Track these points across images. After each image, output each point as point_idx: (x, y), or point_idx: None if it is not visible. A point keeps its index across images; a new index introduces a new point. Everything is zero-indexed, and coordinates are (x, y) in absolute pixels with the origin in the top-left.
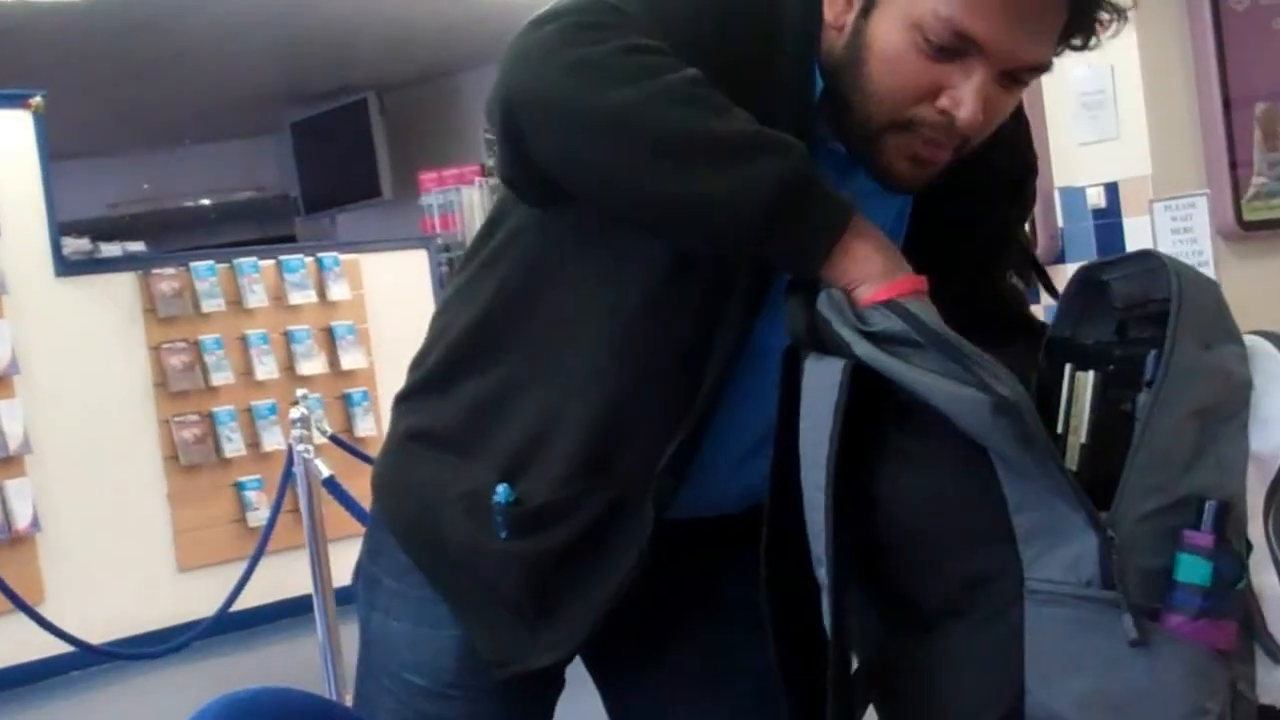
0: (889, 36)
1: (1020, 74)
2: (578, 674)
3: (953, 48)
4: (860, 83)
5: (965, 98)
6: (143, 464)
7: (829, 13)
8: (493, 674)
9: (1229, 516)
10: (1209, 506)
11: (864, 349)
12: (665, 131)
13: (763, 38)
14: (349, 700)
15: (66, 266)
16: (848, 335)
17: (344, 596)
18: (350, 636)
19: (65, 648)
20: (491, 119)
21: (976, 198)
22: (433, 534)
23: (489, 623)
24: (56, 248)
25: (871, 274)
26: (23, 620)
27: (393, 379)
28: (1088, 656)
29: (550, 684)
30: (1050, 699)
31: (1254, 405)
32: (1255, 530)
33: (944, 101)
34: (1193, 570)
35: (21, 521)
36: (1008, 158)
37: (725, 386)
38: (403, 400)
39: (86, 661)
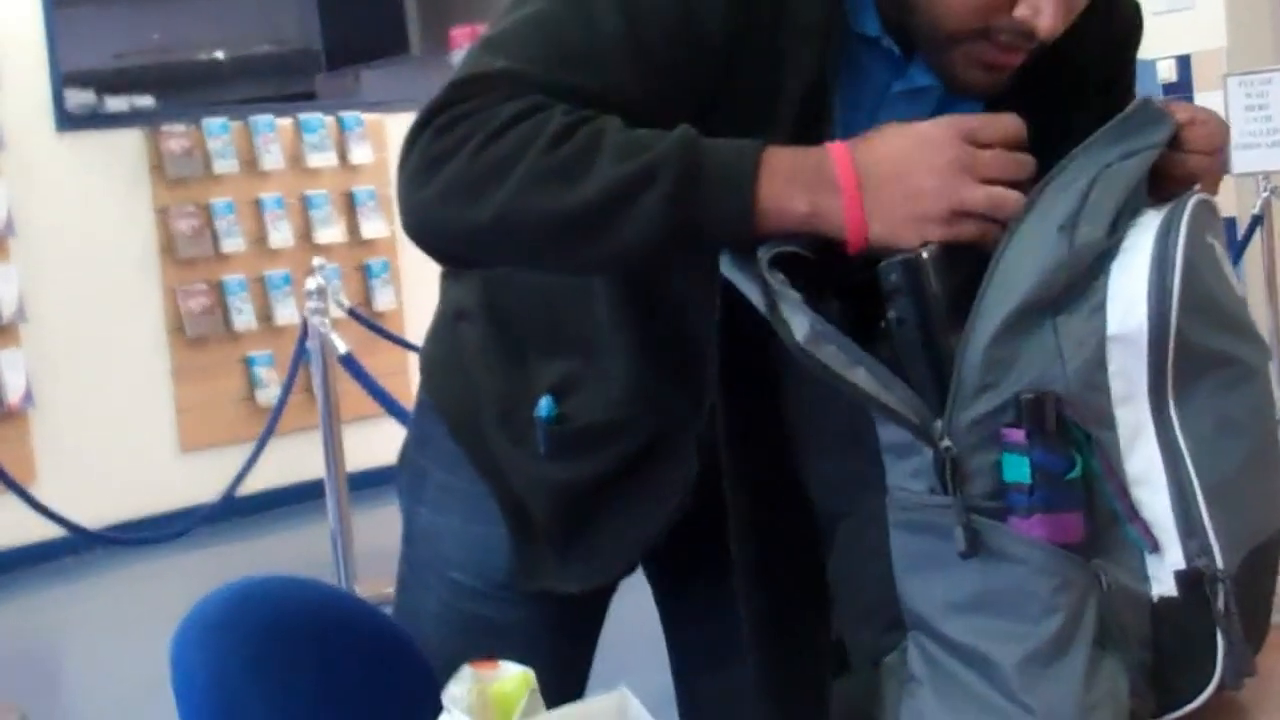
0: None
1: None
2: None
3: None
4: None
5: (1044, 5)
6: (145, 336)
7: None
8: (520, 585)
9: (1045, 407)
10: (1022, 402)
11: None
12: (546, 221)
13: None
14: (360, 592)
15: (68, 121)
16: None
17: (357, 482)
18: (363, 524)
19: (58, 531)
20: None
21: (1059, 98)
22: (477, 426)
23: (521, 535)
24: (58, 100)
25: (828, 223)
26: (13, 501)
27: (415, 249)
28: (941, 563)
29: (604, 591)
30: (917, 604)
31: (1111, 283)
32: (1135, 413)
33: (1022, 10)
34: (1014, 468)
35: (13, 395)
36: (1095, 47)
37: None
38: (450, 277)
39: (80, 546)
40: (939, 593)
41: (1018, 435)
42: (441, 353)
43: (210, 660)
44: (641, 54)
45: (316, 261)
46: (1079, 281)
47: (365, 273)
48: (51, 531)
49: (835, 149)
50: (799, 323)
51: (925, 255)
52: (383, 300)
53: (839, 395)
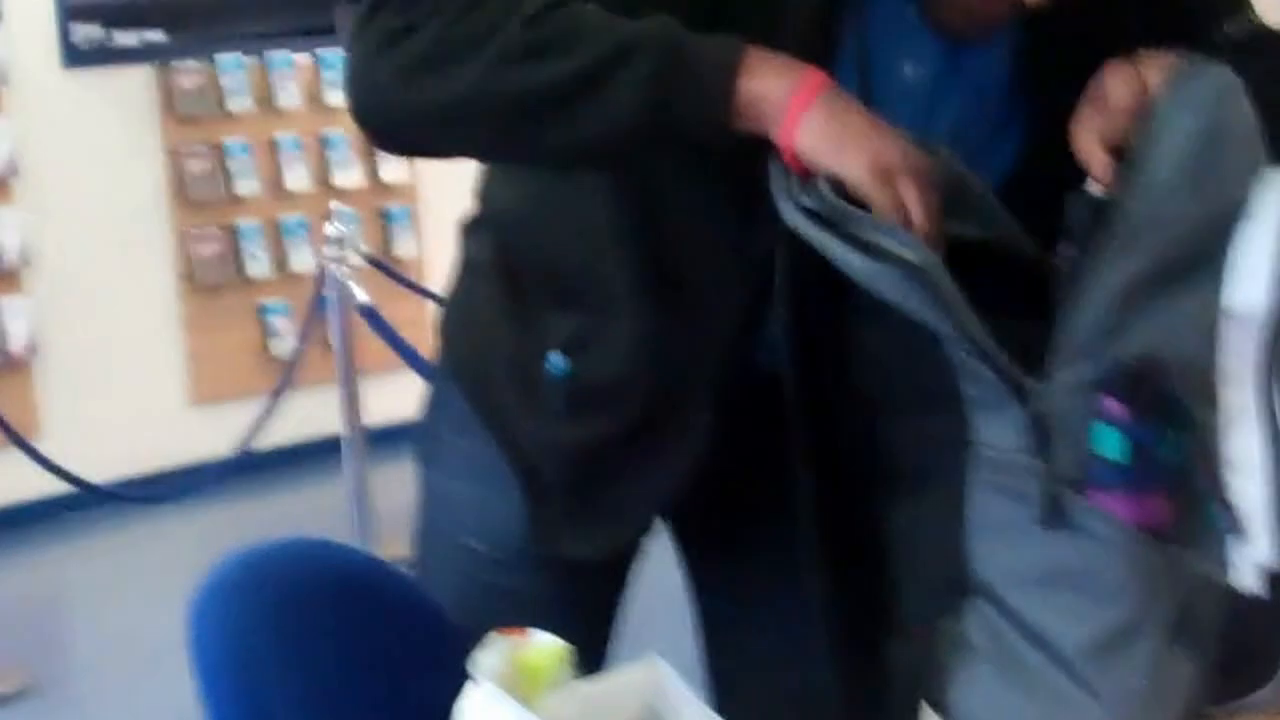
0: None
1: None
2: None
3: None
4: None
5: None
6: (154, 282)
7: None
8: (534, 549)
9: (1148, 378)
10: (1126, 371)
11: (800, 225)
12: (518, 98)
13: None
14: (380, 552)
15: (75, 56)
16: (787, 213)
17: (377, 438)
18: (383, 482)
19: (64, 487)
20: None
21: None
22: (488, 385)
23: (533, 498)
24: (64, 35)
25: (776, 106)
26: (16, 455)
27: (437, 195)
28: (1016, 528)
29: (625, 556)
30: (985, 570)
31: (1237, 254)
32: (1240, 395)
33: None
34: (1106, 441)
35: (16, 344)
36: None
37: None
38: (467, 230)
39: (87, 503)
40: (1009, 560)
41: (1114, 406)
42: (455, 310)
43: (230, 625)
44: None
45: (334, 206)
46: (1203, 246)
47: (385, 218)
48: (57, 487)
49: (813, 70)
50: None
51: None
52: (403, 248)
53: (923, 352)
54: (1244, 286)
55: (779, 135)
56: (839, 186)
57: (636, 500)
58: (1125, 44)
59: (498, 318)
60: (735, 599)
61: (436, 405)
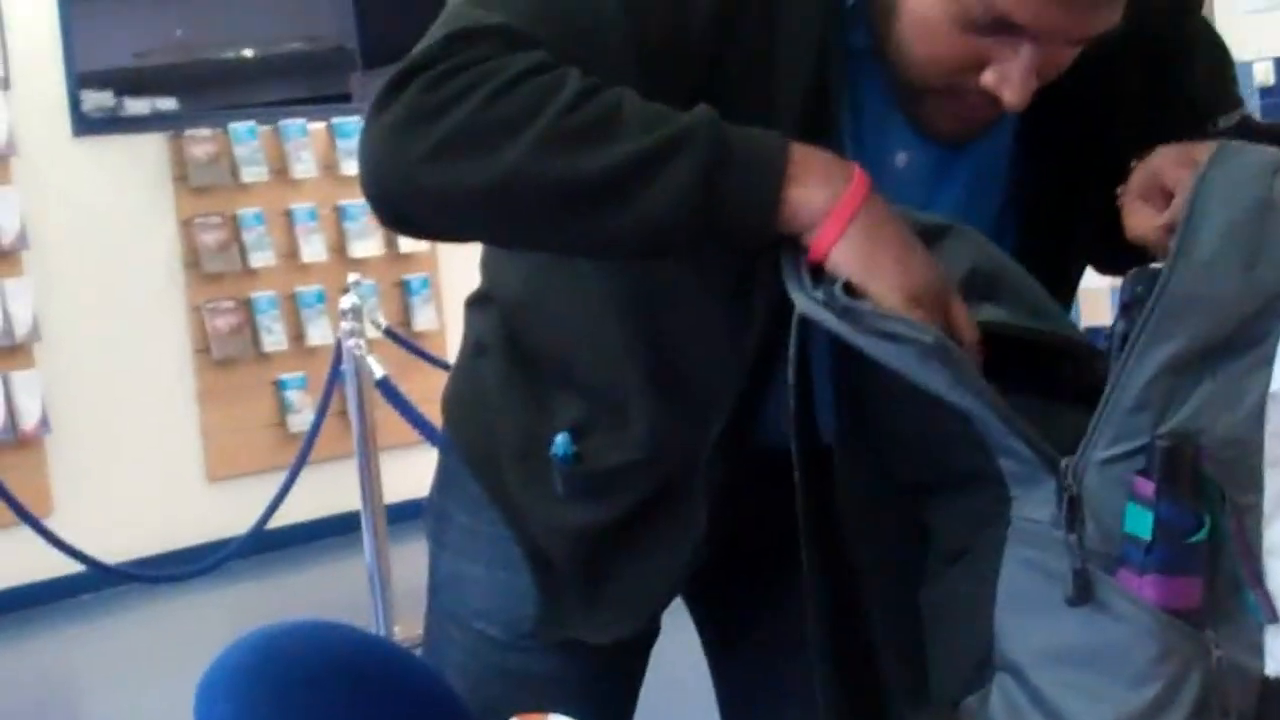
0: (923, 1)
1: (1083, 40)
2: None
3: (996, 26)
4: (893, 40)
5: (1013, 77)
6: (169, 357)
7: None
8: (548, 634)
9: (1181, 457)
10: (1157, 450)
11: (819, 315)
12: (559, 185)
13: None
14: (399, 634)
15: (86, 125)
16: (803, 304)
17: (396, 514)
18: (402, 560)
19: (76, 567)
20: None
21: (1098, 108)
22: (497, 467)
23: (545, 582)
24: (75, 102)
25: (815, 214)
26: (28, 534)
27: (457, 263)
28: (1045, 605)
29: (642, 638)
30: (1011, 646)
31: None
32: None
33: (988, 78)
34: (1138, 521)
35: (29, 420)
36: (1134, 50)
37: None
38: (473, 306)
39: (100, 583)
40: (1036, 638)
41: (1147, 487)
42: (462, 389)
43: (238, 711)
44: (635, 40)
45: (352, 278)
46: (1247, 327)
47: (404, 289)
48: (70, 567)
49: (858, 175)
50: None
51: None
52: (422, 319)
53: (959, 431)
54: None
55: (812, 241)
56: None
57: (646, 584)
58: (1126, 136)
59: (505, 397)
60: (754, 672)
61: (445, 485)
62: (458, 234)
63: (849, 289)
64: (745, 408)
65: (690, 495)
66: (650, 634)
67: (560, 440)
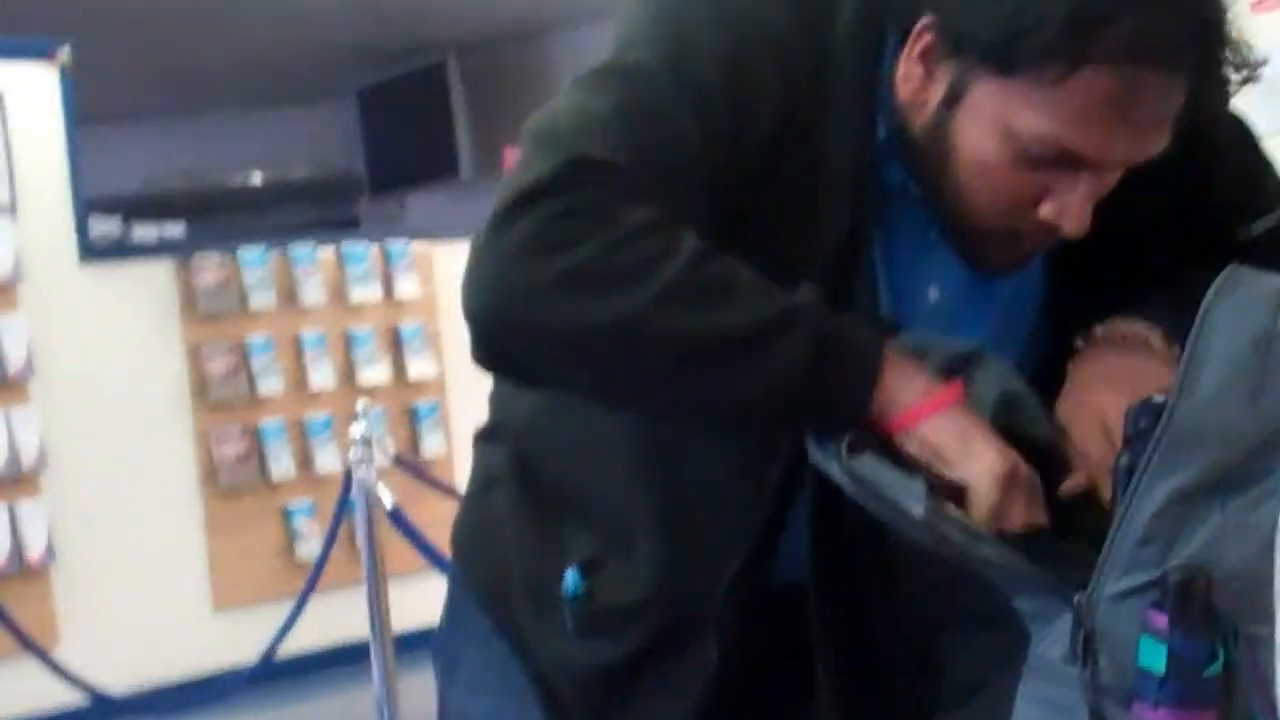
0: (980, 143)
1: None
2: None
3: (1057, 160)
4: (949, 180)
5: (1072, 208)
6: (176, 485)
7: (903, 87)
8: None
9: (1194, 590)
10: (1170, 583)
11: (846, 484)
12: (673, 341)
13: (810, 85)
14: None
15: (93, 252)
16: (834, 473)
17: (405, 643)
18: (411, 689)
19: (82, 698)
20: (469, 324)
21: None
22: (507, 598)
23: (555, 714)
24: (82, 229)
25: (900, 405)
26: (34, 665)
27: (466, 389)
28: None
29: None
30: None
31: None
32: None
33: (1047, 210)
34: (1152, 655)
35: (34, 550)
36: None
37: (789, 497)
38: (483, 440)
39: (107, 714)
40: None
41: (1161, 620)
42: (472, 522)
43: None
44: (709, 167)
45: (360, 405)
46: (1255, 460)
47: (413, 416)
48: (75, 698)
49: (952, 385)
50: (914, 504)
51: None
52: (430, 446)
53: (965, 573)
54: None
55: (895, 419)
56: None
57: (660, 714)
58: (1157, 246)
59: (515, 530)
60: None
61: (454, 619)
62: (550, 371)
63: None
64: (759, 547)
65: (701, 634)
66: None
67: (570, 576)
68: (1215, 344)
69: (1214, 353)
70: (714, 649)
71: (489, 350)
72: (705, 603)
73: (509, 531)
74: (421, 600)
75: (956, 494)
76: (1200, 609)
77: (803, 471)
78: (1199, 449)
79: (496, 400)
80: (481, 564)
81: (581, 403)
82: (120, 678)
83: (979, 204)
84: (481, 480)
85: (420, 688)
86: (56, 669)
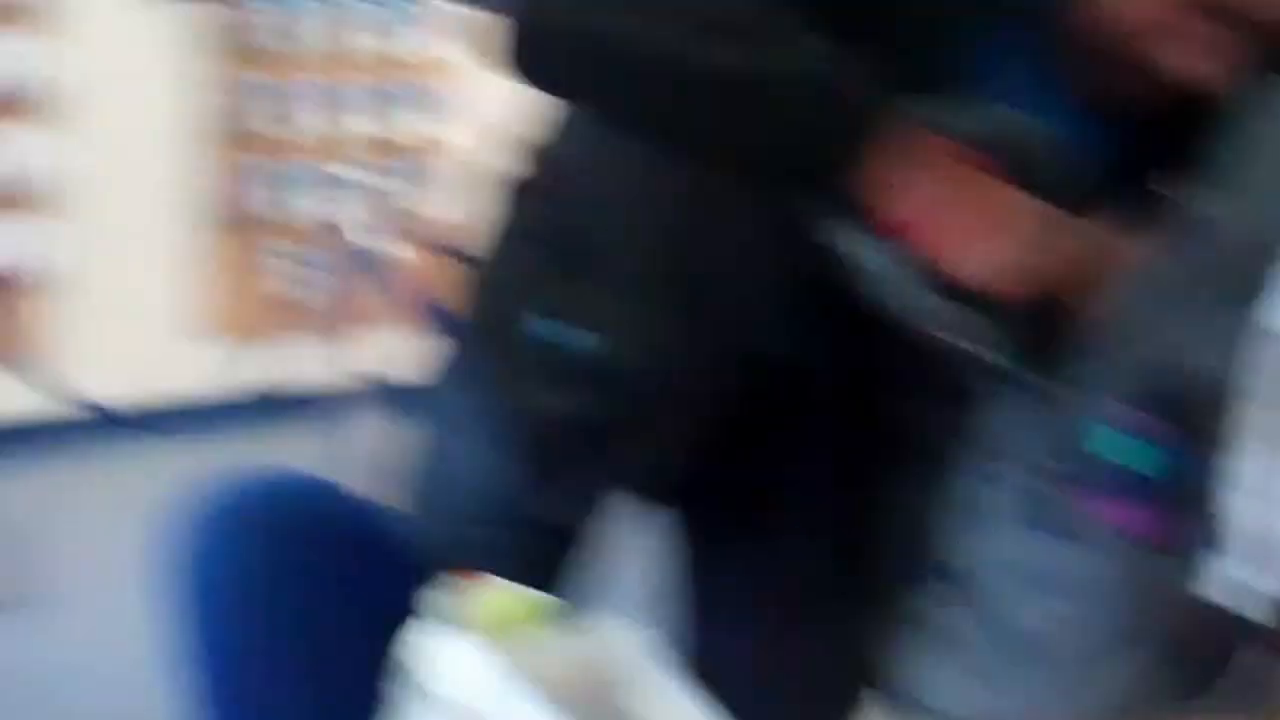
0: None
1: None
2: None
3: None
4: None
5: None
6: (169, 215)
7: None
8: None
9: (1165, 391)
10: (1138, 381)
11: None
12: (705, 69)
13: None
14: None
15: None
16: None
17: (375, 387)
18: (377, 431)
19: (73, 411)
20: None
21: None
22: (491, 344)
23: (520, 455)
24: None
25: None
26: (25, 375)
27: (458, 153)
28: (1008, 523)
29: (607, 521)
30: (968, 560)
31: (1276, 280)
32: (1268, 416)
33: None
34: (1113, 447)
35: (34, 263)
36: None
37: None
38: (500, 190)
39: (98, 428)
40: (995, 555)
41: (1125, 412)
42: (472, 267)
43: (208, 558)
44: None
45: (359, 158)
46: (1250, 264)
47: (404, 174)
48: (64, 410)
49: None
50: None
51: None
52: (423, 203)
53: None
54: (1272, 309)
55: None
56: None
57: (619, 478)
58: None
59: (500, 275)
60: (721, 589)
61: (438, 358)
62: (591, 88)
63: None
64: (759, 333)
65: (678, 397)
66: (613, 519)
67: (543, 323)
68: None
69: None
70: (690, 413)
71: (528, 57)
72: (685, 367)
73: (496, 272)
74: (393, 348)
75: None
76: (1170, 405)
77: (815, 262)
78: (1192, 248)
79: (527, 155)
80: (472, 308)
81: (621, 158)
82: (114, 393)
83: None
84: (491, 228)
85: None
86: (49, 380)
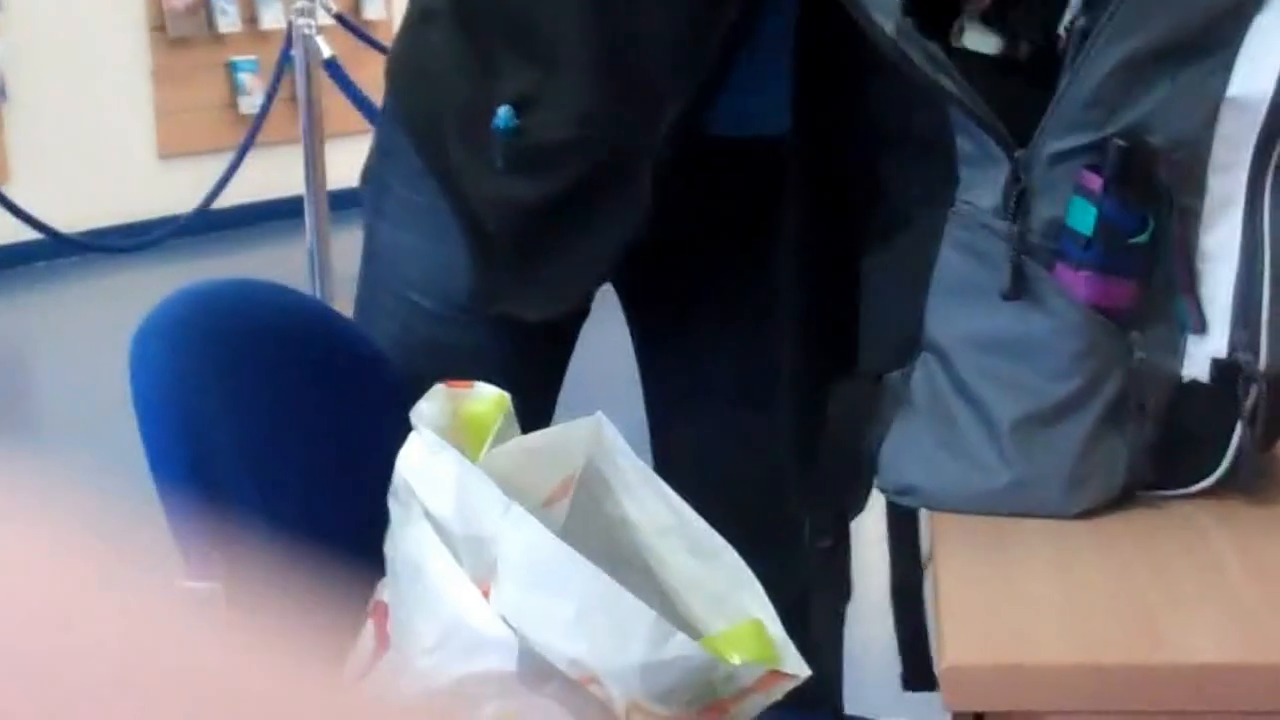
0: None
1: None
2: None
3: None
4: None
5: None
6: (126, 32)
7: None
8: (485, 307)
9: (1137, 159)
10: (1112, 146)
11: None
12: None
13: None
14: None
15: None
16: None
17: (339, 200)
18: (343, 245)
19: (31, 234)
20: None
21: None
22: (440, 136)
23: (482, 255)
24: None
25: None
26: None
27: None
28: (977, 292)
29: (571, 318)
30: (939, 330)
31: (1247, 40)
32: (1229, 183)
33: None
34: (1082, 216)
35: None
36: None
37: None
38: None
39: (54, 251)
40: (964, 324)
41: (1094, 181)
42: (406, 56)
43: (171, 362)
44: None
45: None
46: (1214, 28)
47: None
48: (23, 234)
49: None
50: (887, 21)
51: None
52: (371, 9)
53: (924, 102)
54: (1249, 75)
55: None
56: None
57: (580, 264)
58: None
59: (450, 67)
60: (679, 369)
61: (384, 155)
62: None
63: None
64: (700, 96)
65: (634, 178)
66: (580, 315)
67: (503, 112)
68: None
69: None
70: (647, 194)
71: None
72: (641, 145)
73: (443, 64)
74: (358, 160)
75: None
76: (1139, 177)
77: (753, 24)
78: (1159, 12)
79: None
80: (414, 99)
81: None
82: (68, 216)
83: None
84: (418, 15)
85: (351, 243)
86: (8, 205)
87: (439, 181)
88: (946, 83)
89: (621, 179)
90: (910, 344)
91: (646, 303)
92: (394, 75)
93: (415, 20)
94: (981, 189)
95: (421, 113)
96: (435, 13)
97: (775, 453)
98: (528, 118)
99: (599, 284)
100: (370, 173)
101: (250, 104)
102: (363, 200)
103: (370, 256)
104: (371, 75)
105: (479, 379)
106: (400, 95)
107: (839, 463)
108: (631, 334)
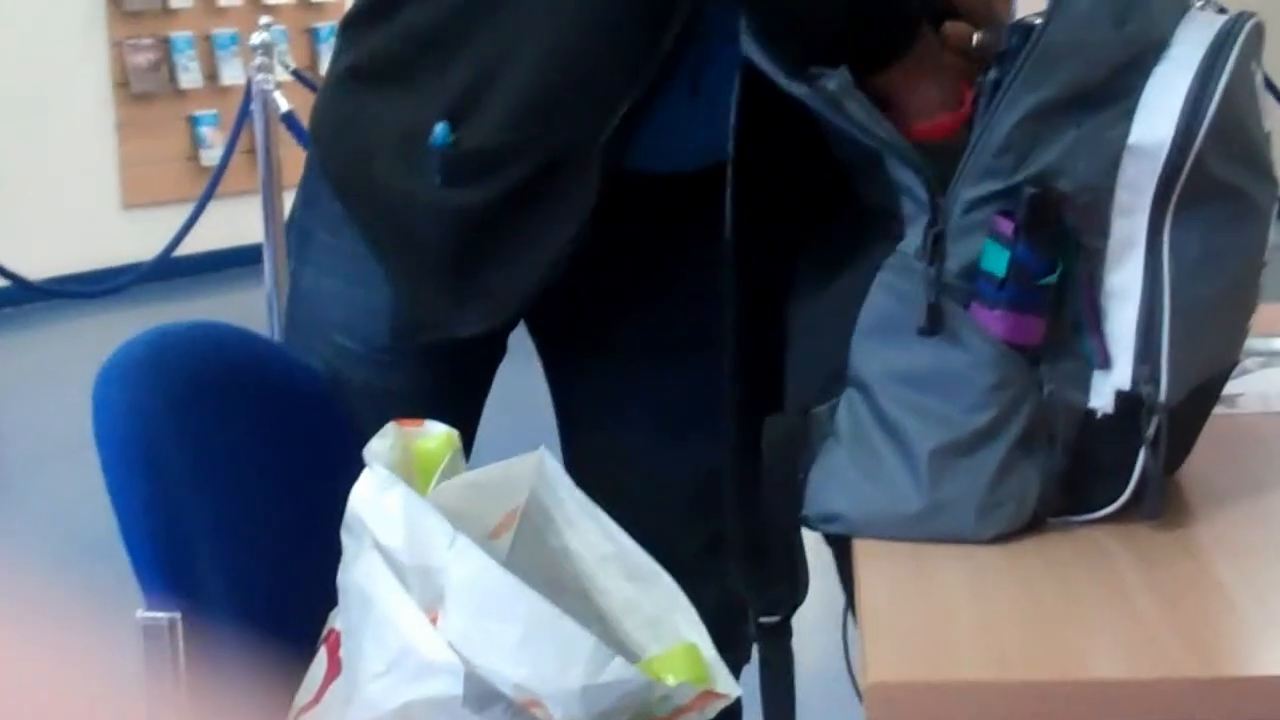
0: None
1: None
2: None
3: None
4: None
5: None
6: (90, 89)
7: None
8: (416, 337)
9: (1046, 205)
10: (1024, 195)
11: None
12: None
13: None
14: None
15: None
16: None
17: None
18: None
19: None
20: None
21: None
22: (367, 179)
23: (415, 282)
24: None
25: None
26: None
27: None
28: (899, 330)
29: (489, 353)
30: (863, 366)
31: (1147, 90)
32: (1131, 226)
33: None
34: (994, 258)
35: None
36: None
37: (690, 43)
38: (346, 28)
39: (20, 298)
40: (886, 359)
41: (1006, 226)
42: (327, 109)
43: (132, 401)
44: None
45: (264, 21)
46: (1116, 79)
47: (313, 37)
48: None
49: None
50: (829, 80)
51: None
52: (328, 64)
53: (865, 165)
54: (1149, 123)
55: None
56: None
57: (525, 266)
58: None
59: (377, 110)
60: (585, 392)
61: (308, 203)
62: None
63: None
64: (633, 115)
65: (577, 179)
66: (498, 352)
67: (439, 130)
68: None
69: None
70: (593, 193)
71: None
72: (583, 144)
73: (370, 110)
74: None
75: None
76: (1048, 222)
77: (699, 40)
78: (1065, 65)
79: None
80: (336, 149)
81: None
82: (34, 265)
83: None
84: (343, 68)
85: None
86: None
87: (360, 229)
88: (882, 133)
89: (564, 181)
90: (834, 380)
91: (559, 340)
92: (318, 129)
93: (334, 79)
94: (910, 235)
95: (347, 161)
96: (353, 68)
97: (686, 484)
98: (464, 129)
99: (540, 288)
100: (295, 221)
101: (211, 156)
102: (288, 248)
103: (297, 300)
104: None
105: (401, 415)
106: (325, 145)
107: (775, 498)
108: (545, 370)
